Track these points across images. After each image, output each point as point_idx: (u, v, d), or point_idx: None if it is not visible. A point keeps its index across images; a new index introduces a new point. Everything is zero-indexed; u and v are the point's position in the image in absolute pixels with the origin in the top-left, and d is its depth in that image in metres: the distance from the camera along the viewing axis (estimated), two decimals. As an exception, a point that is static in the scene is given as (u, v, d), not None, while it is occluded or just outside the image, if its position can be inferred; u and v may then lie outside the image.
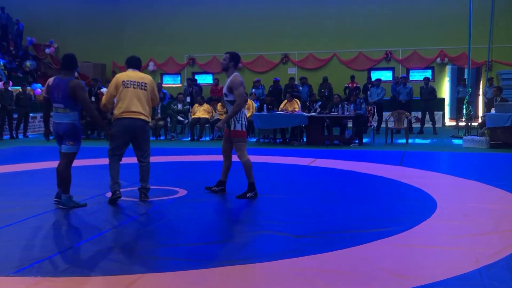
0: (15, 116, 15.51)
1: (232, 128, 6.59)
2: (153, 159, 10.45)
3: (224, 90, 6.68)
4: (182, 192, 7.07)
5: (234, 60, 6.65)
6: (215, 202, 6.63)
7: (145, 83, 6.40)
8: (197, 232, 5.38)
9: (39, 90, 18.09)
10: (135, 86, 6.33)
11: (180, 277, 4.01)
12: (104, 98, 6.55)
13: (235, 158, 6.88)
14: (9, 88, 15.42)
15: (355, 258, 4.37)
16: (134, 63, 6.60)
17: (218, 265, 4.22)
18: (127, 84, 6.32)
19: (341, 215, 5.87)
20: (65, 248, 4.69)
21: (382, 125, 15.61)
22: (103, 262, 4.36)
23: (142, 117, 6.35)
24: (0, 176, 8.70)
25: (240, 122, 6.58)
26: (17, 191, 7.33)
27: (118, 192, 6.38)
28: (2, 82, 16.23)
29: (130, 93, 6.30)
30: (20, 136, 15.71)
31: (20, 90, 15.69)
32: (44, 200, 6.70)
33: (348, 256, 4.43)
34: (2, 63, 18.78)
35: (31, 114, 16.30)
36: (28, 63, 20.04)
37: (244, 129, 6.63)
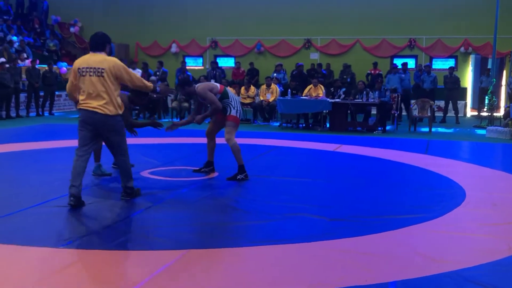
0: (42, 94, 15.75)
1: (228, 114, 6.89)
2: (180, 140, 10.70)
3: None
4: (213, 174, 7.23)
5: (186, 85, 6.95)
6: (246, 184, 6.77)
7: (102, 69, 5.35)
8: (235, 212, 5.56)
9: (64, 68, 18.32)
10: (91, 74, 5.36)
11: (226, 253, 4.19)
12: (67, 86, 5.76)
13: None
14: (36, 66, 15.64)
15: (391, 242, 4.52)
16: (95, 44, 5.54)
17: (258, 244, 4.39)
18: (83, 71, 5.40)
19: (373, 200, 6.00)
20: (111, 223, 4.88)
21: (403, 113, 15.63)
22: (149, 237, 4.54)
23: (100, 110, 5.37)
24: (32, 152, 8.94)
25: (235, 108, 6.92)
26: (51, 167, 7.52)
27: (72, 198, 5.37)
28: (30, 60, 16.46)
29: (87, 81, 5.38)
30: (46, 113, 15.96)
31: (47, 68, 15.91)
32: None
33: (384, 240, 4.57)
34: (26, 41, 18.97)
35: (56, 92, 16.53)
36: (51, 44, 20.24)
37: (238, 116, 6.95)
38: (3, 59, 15.26)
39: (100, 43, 5.51)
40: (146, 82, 5.74)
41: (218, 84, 7.05)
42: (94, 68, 5.37)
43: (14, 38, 18.19)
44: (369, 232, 4.73)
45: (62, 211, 5.28)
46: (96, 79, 5.35)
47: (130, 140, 9.64)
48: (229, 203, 5.98)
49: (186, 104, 15.15)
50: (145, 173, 7.21)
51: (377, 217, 5.27)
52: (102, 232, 4.63)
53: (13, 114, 14.85)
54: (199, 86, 6.88)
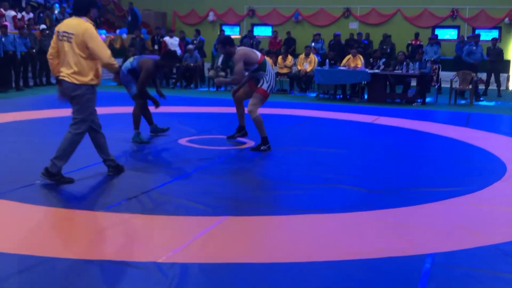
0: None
1: (259, 86, 6.81)
2: (217, 109, 10.74)
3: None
4: (250, 143, 7.26)
5: (228, 44, 6.81)
6: (283, 154, 6.77)
7: (72, 34, 4.95)
8: (271, 181, 5.60)
9: (103, 36, 18.48)
10: (64, 39, 5.01)
11: (263, 221, 4.24)
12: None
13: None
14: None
15: (430, 215, 4.49)
16: (77, 8, 5.11)
17: (295, 213, 4.41)
18: (60, 36, 5.06)
19: (411, 173, 5.96)
20: (150, 189, 4.97)
21: (447, 86, 15.28)
22: (188, 203, 4.61)
23: (67, 78, 5.03)
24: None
25: (268, 83, 6.82)
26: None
27: (111, 169, 5.50)
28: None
29: (60, 47, 5.07)
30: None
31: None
32: (119, 143, 6.98)
33: (422, 212, 4.54)
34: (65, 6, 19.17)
35: (95, 60, 16.68)
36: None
37: (269, 91, 6.85)
38: (44, 26, 15.47)
39: (82, 7, 5.05)
40: (111, 61, 5.03)
41: (259, 54, 6.90)
42: (67, 32, 4.99)
43: (56, 5, 18.41)
44: (407, 204, 4.71)
45: (101, 177, 5.39)
46: (67, 44, 4.99)
47: (169, 109, 9.75)
48: (266, 172, 6.02)
49: (222, 73, 15.14)
50: (183, 141, 7.29)
51: (416, 189, 5.23)
52: (141, 197, 4.72)
53: (53, 80, 15.11)
54: (239, 51, 6.77)
